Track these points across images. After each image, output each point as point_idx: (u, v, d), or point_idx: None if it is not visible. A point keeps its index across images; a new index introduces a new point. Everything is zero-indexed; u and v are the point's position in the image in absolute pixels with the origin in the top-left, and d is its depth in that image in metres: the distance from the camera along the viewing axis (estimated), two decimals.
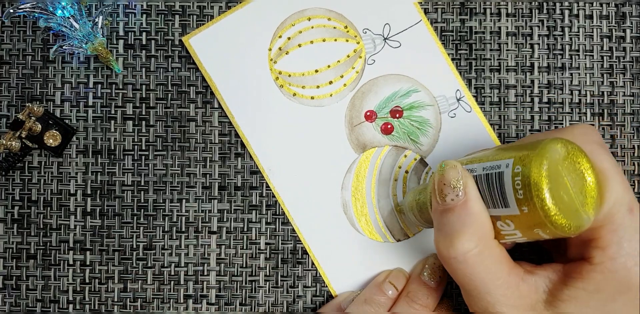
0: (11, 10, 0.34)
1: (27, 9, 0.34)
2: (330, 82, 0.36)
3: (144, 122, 0.36)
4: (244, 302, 0.36)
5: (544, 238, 0.26)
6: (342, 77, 0.36)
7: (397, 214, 0.36)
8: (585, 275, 0.26)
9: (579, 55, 0.36)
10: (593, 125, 0.36)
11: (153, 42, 0.37)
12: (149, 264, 0.36)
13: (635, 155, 0.36)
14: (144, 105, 0.36)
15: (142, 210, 0.36)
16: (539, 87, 0.36)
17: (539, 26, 0.37)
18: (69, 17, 0.34)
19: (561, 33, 0.37)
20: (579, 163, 0.26)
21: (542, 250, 0.34)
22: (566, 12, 0.37)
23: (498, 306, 0.27)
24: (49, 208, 0.36)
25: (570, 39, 0.37)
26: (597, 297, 0.26)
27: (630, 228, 0.26)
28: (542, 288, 0.28)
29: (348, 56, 0.36)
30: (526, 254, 0.35)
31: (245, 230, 0.36)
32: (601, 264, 0.26)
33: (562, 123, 0.36)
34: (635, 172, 0.36)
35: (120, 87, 0.36)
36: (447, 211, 0.27)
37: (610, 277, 0.26)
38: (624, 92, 0.36)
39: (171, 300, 0.36)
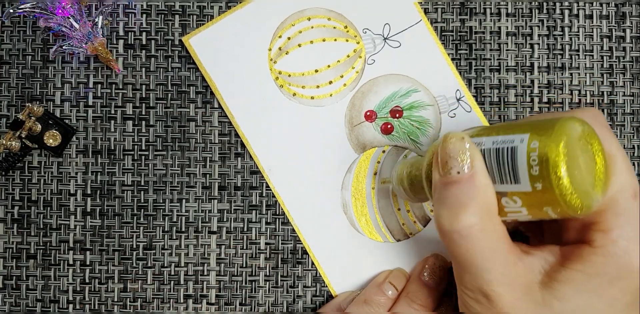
0: (11, 10, 0.34)
1: (27, 9, 0.34)
2: (330, 82, 0.36)
3: (144, 122, 0.36)
4: (244, 302, 0.36)
5: (550, 218, 0.26)
6: (342, 76, 0.36)
7: (380, 185, 0.35)
8: (586, 258, 0.26)
9: (579, 55, 0.36)
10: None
11: (153, 42, 0.37)
12: (149, 264, 0.36)
13: (635, 155, 0.36)
14: (144, 105, 0.36)
15: (142, 210, 0.36)
16: (539, 87, 0.36)
17: (539, 26, 0.37)
18: (69, 17, 0.34)
19: (561, 33, 0.37)
20: (592, 144, 0.25)
21: (518, 235, 0.34)
22: (566, 12, 0.37)
23: (494, 285, 0.26)
24: (49, 208, 0.36)
25: (570, 38, 0.37)
26: (596, 281, 0.26)
27: (634, 212, 0.26)
28: (538, 269, 0.27)
29: (348, 56, 0.36)
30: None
31: (245, 230, 0.36)
32: (603, 247, 0.26)
33: None
34: (635, 172, 0.36)
35: (120, 87, 0.36)
36: (451, 184, 0.26)
37: (610, 261, 0.26)
38: (624, 92, 0.36)
39: (171, 300, 0.36)
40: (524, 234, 0.33)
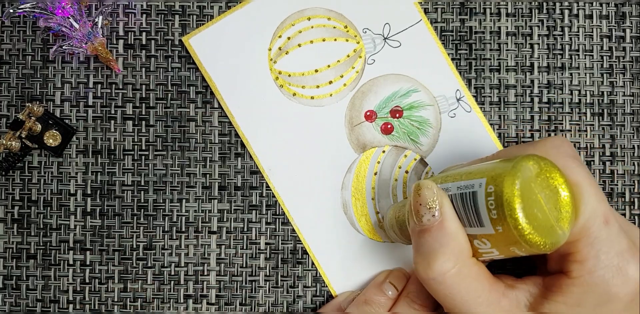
0: (11, 10, 0.34)
1: (27, 9, 0.34)
2: (330, 82, 0.36)
3: (144, 122, 0.36)
4: (244, 302, 0.36)
5: (521, 255, 0.26)
6: (342, 76, 0.36)
7: (379, 230, 0.36)
8: (565, 289, 0.26)
9: (578, 55, 0.36)
10: (565, 136, 0.36)
11: (153, 42, 0.37)
12: (149, 264, 0.36)
13: (635, 155, 0.36)
14: (144, 105, 0.36)
15: (142, 210, 0.36)
16: (538, 87, 0.36)
17: (539, 26, 0.37)
18: (69, 17, 0.34)
19: (561, 33, 0.37)
20: (553, 178, 0.25)
21: (529, 261, 0.34)
22: (566, 12, 0.37)
23: None
24: (49, 208, 0.36)
25: (570, 38, 0.37)
26: (578, 311, 0.26)
27: (607, 240, 0.26)
28: (523, 303, 0.27)
29: (348, 56, 0.36)
30: (517, 264, 0.35)
31: (245, 230, 0.36)
32: (580, 278, 0.26)
33: (561, 123, 0.36)
34: (635, 172, 0.36)
35: (120, 87, 0.36)
36: (424, 232, 0.27)
37: (589, 290, 0.26)
38: (624, 92, 0.36)
39: (171, 300, 0.36)
40: (533, 262, 0.33)
